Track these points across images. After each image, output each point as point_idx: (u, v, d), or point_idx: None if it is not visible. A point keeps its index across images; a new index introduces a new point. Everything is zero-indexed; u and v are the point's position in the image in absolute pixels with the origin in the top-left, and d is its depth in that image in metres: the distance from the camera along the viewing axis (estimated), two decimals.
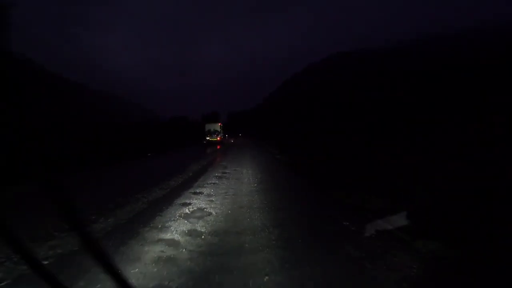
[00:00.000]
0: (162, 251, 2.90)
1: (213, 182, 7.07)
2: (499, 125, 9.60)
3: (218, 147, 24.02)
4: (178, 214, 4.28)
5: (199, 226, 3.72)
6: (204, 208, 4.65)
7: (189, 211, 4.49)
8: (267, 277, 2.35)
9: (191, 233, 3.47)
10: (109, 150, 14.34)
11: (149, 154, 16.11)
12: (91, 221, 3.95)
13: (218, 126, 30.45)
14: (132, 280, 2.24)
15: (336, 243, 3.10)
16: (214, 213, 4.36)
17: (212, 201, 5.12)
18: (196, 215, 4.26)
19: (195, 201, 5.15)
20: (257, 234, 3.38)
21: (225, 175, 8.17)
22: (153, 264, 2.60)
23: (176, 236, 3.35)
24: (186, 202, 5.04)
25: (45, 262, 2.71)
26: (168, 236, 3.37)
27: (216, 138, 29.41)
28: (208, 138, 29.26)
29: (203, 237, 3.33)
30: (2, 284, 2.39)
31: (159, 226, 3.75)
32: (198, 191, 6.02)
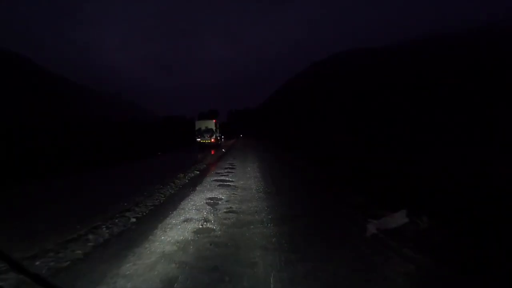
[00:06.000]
0: None
1: None
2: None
3: (213, 152, 17.50)
4: None
5: None
6: None
7: None
8: None
9: None
10: None
11: None
12: None
13: (212, 123, 22.73)
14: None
15: None
16: None
17: None
18: None
19: None
20: None
21: None
22: None
23: None
24: None
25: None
26: None
27: (210, 139, 22.10)
28: (199, 139, 22.18)
29: None
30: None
31: None
32: None
